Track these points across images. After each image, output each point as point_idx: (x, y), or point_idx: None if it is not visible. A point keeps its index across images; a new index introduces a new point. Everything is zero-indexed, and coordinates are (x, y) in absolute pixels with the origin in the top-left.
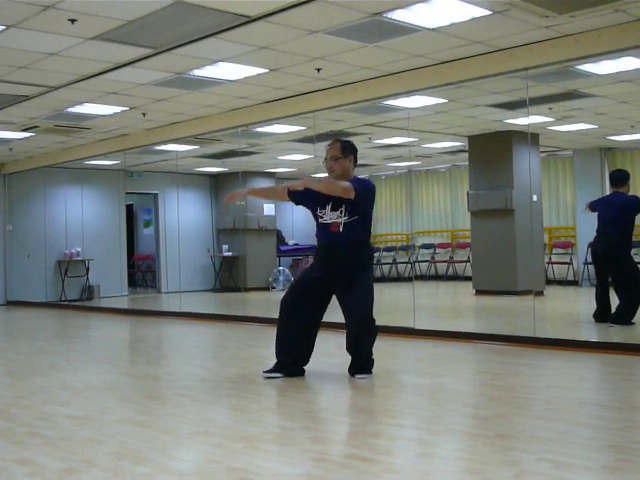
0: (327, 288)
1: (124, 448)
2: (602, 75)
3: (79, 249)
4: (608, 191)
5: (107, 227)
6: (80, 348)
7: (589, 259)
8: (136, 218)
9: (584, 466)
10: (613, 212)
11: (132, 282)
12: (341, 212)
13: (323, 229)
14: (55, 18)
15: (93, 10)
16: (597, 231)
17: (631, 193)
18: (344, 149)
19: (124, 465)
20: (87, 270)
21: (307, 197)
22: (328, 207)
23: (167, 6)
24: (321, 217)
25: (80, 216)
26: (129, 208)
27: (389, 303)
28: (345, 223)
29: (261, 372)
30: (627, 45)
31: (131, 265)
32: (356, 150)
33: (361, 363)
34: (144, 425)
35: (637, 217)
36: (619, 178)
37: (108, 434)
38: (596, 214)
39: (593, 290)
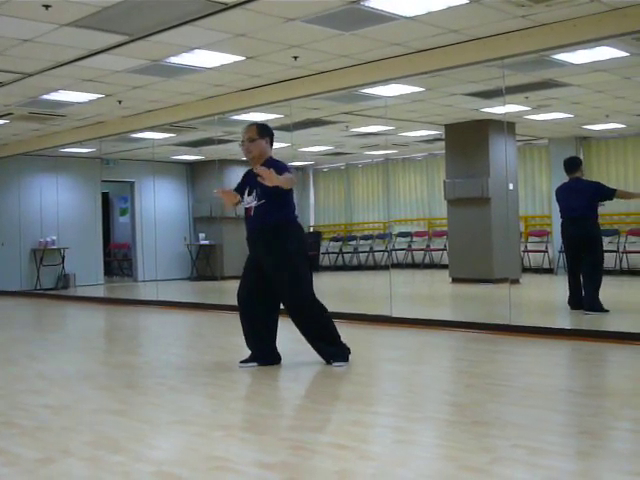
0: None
1: (101, 437)
2: (578, 64)
3: (54, 237)
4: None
5: (83, 215)
6: (56, 337)
7: (563, 246)
8: (112, 206)
9: (558, 452)
10: (579, 197)
11: (108, 271)
12: (253, 196)
13: (245, 214)
14: (29, 4)
15: None
16: (564, 216)
17: (605, 182)
18: (260, 131)
19: (101, 454)
20: (62, 259)
21: (242, 191)
22: (246, 191)
23: None
24: (242, 202)
25: (55, 204)
26: (105, 196)
27: (366, 291)
28: (256, 207)
29: (237, 361)
30: (602, 35)
31: (107, 253)
32: (272, 133)
33: (329, 354)
34: (121, 414)
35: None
36: (574, 164)
37: (85, 423)
38: (562, 198)
39: (567, 277)
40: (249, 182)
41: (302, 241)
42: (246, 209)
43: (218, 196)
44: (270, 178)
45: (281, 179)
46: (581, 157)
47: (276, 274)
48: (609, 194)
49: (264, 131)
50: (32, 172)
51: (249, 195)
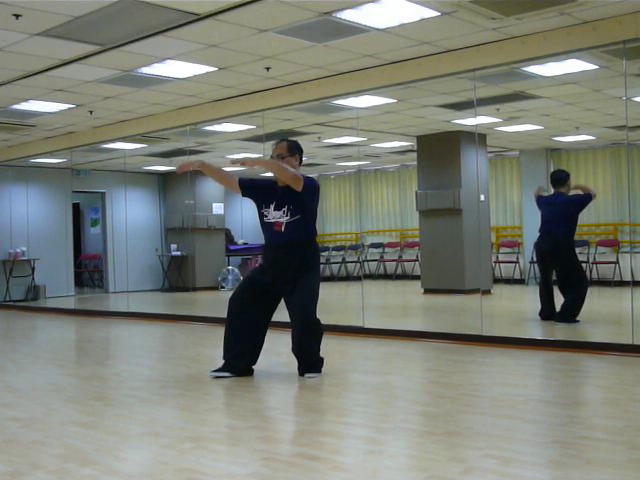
0: (274, 290)
1: (71, 450)
2: (548, 77)
3: (24, 248)
4: (552, 191)
5: (53, 226)
6: (25, 349)
7: (535, 258)
8: (83, 217)
9: (529, 461)
10: (556, 212)
11: (79, 282)
12: (284, 212)
13: (267, 228)
14: None
15: (38, 5)
16: (540, 231)
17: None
18: (290, 148)
19: (70, 467)
20: (32, 270)
21: (256, 192)
22: (272, 206)
23: (115, 2)
24: (265, 216)
25: (25, 215)
26: (76, 207)
27: (338, 302)
28: (287, 223)
29: (209, 372)
30: (572, 47)
31: (78, 265)
32: (302, 150)
33: (307, 364)
34: (91, 427)
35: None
36: (560, 179)
37: (54, 436)
38: (542, 212)
39: (539, 288)
40: (276, 196)
41: (318, 261)
42: (272, 224)
43: (182, 170)
44: (190, 166)
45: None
46: (551, 168)
47: (298, 289)
48: (589, 199)
49: (295, 148)
50: (2, 182)
51: (277, 210)
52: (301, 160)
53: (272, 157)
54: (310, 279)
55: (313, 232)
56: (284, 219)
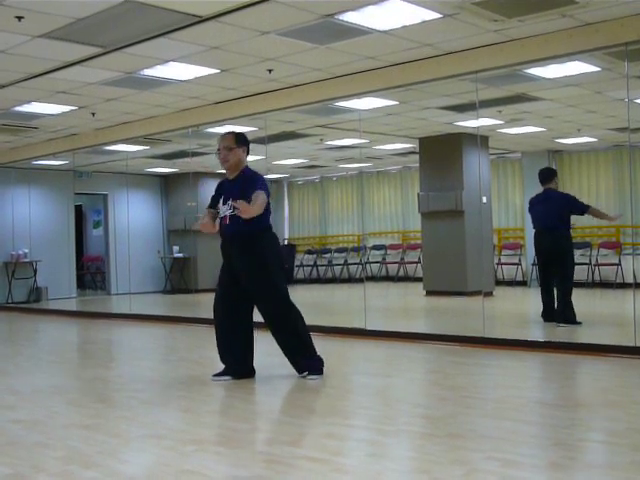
0: (238, 281)
1: (73, 452)
2: (550, 79)
3: (26, 250)
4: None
5: (55, 228)
6: (27, 351)
7: (535, 258)
8: (85, 219)
9: (531, 464)
10: (551, 208)
11: (81, 284)
12: (228, 205)
13: (220, 223)
14: (1, 15)
15: (41, 7)
16: (536, 227)
17: (577, 196)
18: (237, 140)
19: (72, 469)
20: (35, 271)
21: (218, 200)
22: (222, 200)
23: (117, 4)
24: (218, 211)
25: (28, 217)
26: (78, 209)
27: (341, 304)
28: (230, 216)
29: (211, 374)
30: (574, 50)
31: (80, 266)
32: (249, 142)
33: (303, 366)
34: (93, 429)
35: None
36: (548, 175)
37: (56, 438)
38: (535, 210)
39: (540, 289)
40: (224, 191)
41: (277, 250)
42: (221, 218)
43: (198, 229)
44: (247, 211)
45: (255, 208)
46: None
47: (251, 281)
48: (581, 209)
49: (241, 140)
50: (4, 184)
51: (224, 204)
52: (248, 151)
53: (218, 150)
54: (264, 278)
55: (257, 224)
56: (228, 212)
